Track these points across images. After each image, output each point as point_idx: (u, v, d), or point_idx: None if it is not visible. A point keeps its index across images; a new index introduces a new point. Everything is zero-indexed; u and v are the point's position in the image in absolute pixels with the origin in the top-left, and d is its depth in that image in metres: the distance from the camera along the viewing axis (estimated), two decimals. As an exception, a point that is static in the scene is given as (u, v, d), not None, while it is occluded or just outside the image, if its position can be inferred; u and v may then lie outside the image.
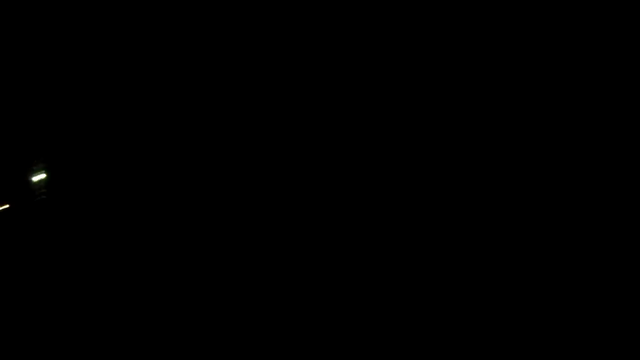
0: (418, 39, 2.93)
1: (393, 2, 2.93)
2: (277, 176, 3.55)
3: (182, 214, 3.91)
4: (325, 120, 3.30)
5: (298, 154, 3.47)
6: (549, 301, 2.80)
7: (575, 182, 2.76)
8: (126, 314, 3.64)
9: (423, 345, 2.87)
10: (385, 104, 3.10)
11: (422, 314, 2.97)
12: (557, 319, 2.74)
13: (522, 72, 2.81)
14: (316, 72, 3.24)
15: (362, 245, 3.31)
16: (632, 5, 2.51)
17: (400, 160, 3.14)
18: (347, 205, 3.38)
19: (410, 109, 3.04)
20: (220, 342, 3.24)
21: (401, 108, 3.06)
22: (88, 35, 3.16)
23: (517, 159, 2.89)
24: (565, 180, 2.79)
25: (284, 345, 3.10)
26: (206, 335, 3.30)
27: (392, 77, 3.05)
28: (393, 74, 3.05)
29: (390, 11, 2.95)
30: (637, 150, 2.59)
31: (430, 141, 3.03)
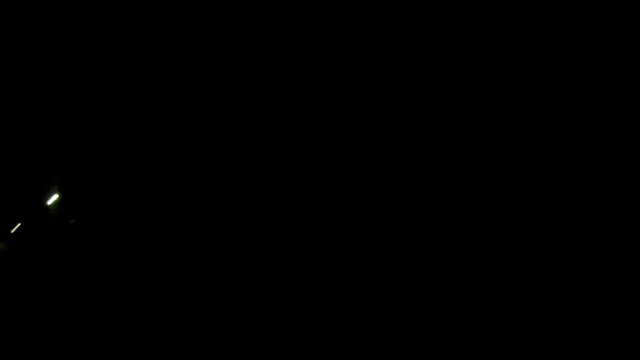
0: (418, 39, 2.93)
1: (393, 2, 2.92)
2: (277, 176, 3.55)
3: (186, 214, 3.91)
4: (325, 121, 3.30)
5: (298, 154, 3.47)
6: (549, 301, 2.80)
7: (575, 182, 2.76)
8: (131, 315, 3.65)
9: (422, 345, 2.87)
10: (385, 104, 3.10)
11: (422, 313, 2.97)
12: (557, 319, 2.74)
13: (522, 72, 2.81)
14: (316, 72, 3.24)
15: (362, 245, 3.32)
16: (632, 5, 2.50)
17: (400, 160, 3.14)
18: (347, 205, 3.37)
19: (410, 109, 3.04)
20: (220, 342, 3.25)
21: (401, 108, 3.06)
22: (98, 47, 3.16)
23: (516, 159, 2.89)
24: (565, 181, 2.79)
25: (284, 345, 3.10)
26: (206, 335, 3.31)
27: (392, 77, 3.05)
28: (393, 74, 3.05)
29: (390, 11, 2.94)
30: (637, 150, 2.59)
31: (429, 141, 3.03)
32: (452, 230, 3.06)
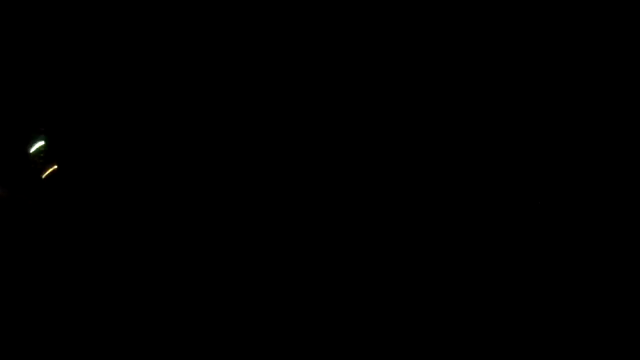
0: (418, 39, 2.93)
1: (393, 3, 2.93)
2: (277, 176, 3.56)
3: (181, 212, 3.91)
4: (325, 121, 3.30)
5: (298, 154, 3.48)
6: (549, 301, 2.80)
7: (575, 182, 2.77)
8: (126, 313, 3.65)
9: (422, 345, 2.87)
10: (384, 104, 3.10)
11: (421, 313, 2.97)
12: (557, 319, 2.74)
13: (522, 72, 2.81)
14: (316, 72, 3.24)
15: (361, 244, 3.32)
16: (632, 5, 2.51)
17: (399, 160, 3.14)
18: (346, 205, 3.38)
19: (409, 109, 3.04)
20: (220, 342, 3.25)
21: (401, 108, 3.06)
22: (88, 35, 3.16)
23: (516, 159, 2.89)
24: (564, 181, 2.79)
25: (284, 345, 3.10)
26: (206, 335, 3.31)
27: (392, 77, 3.06)
28: (393, 74, 3.05)
29: (390, 11, 2.95)
30: (637, 150, 2.59)
31: (429, 141, 3.04)
32: (451, 230, 3.06)
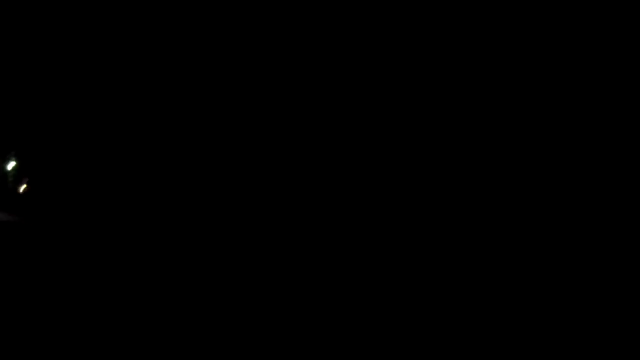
0: (418, 39, 2.93)
1: (393, 3, 2.92)
2: (277, 176, 3.55)
3: (179, 210, 3.90)
4: (325, 121, 3.30)
5: (298, 154, 3.47)
6: (548, 300, 2.80)
7: (575, 182, 2.76)
8: (126, 313, 3.64)
9: (422, 345, 2.87)
10: (384, 104, 3.10)
11: (420, 313, 2.96)
12: (556, 318, 2.74)
13: (522, 72, 2.81)
14: (316, 73, 3.24)
15: (361, 244, 3.31)
16: (632, 5, 2.50)
17: (399, 160, 3.14)
18: (345, 203, 3.37)
19: (409, 109, 3.04)
20: (219, 342, 3.24)
21: (401, 109, 3.06)
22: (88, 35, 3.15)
23: (515, 159, 2.89)
24: (564, 180, 2.79)
25: (284, 345, 3.10)
26: (206, 334, 3.30)
27: (392, 78, 3.05)
28: (393, 75, 3.05)
29: (390, 12, 2.95)
30: (637, 150, 2.59)
31: (428, 141, 3.03)
32: (450, 230, 3.06)
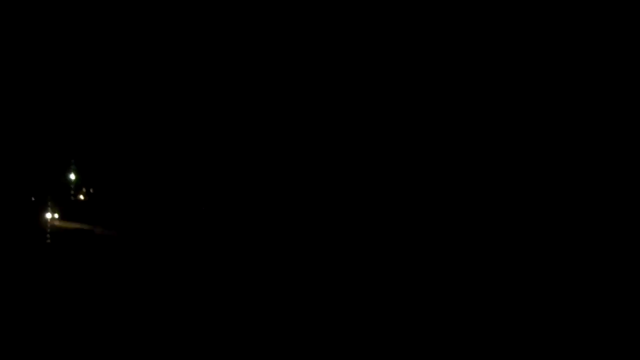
0: (418, 40, 2.94)
1: (393, 3, 2.93)
2: (277, 175, 3.56)
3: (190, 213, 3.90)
4: (325, 121, 3.32)
5: (298, 155, 3.49)
6: (547, 300, 2.81)
7: (574, 181, 2.78)
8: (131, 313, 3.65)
9: (421, 344, 2.88)
10: (384, 105, 3.11)
11: (420, 312, 2.97)
12: (556, 318, 2.75)
13: (521, 73, 2.82)
14: (316, 73, 3.25)
15: (360, 243, 3.32)
16: (632, 5, 2.51)
17: (398, 160, 3.15)
18: (345, 203, 3.39)
19: (409, 110, 3.05)
20: (220, 342, 3.26)
21: (400, 109, 3.07)
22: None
23: (515, 159, 2.90)
24: (564, 180, 2.80)
25: (284, 345, 3.11)
26: (206, 334, 3.31)
27: (392, 78, 3.07)
28: (393, 75, 3.06)
29: (390, 12, 2.95)
30: (637, 150, 2.60)
31: (427, 142, 3.05)
32: (450, 229, 3.07)
